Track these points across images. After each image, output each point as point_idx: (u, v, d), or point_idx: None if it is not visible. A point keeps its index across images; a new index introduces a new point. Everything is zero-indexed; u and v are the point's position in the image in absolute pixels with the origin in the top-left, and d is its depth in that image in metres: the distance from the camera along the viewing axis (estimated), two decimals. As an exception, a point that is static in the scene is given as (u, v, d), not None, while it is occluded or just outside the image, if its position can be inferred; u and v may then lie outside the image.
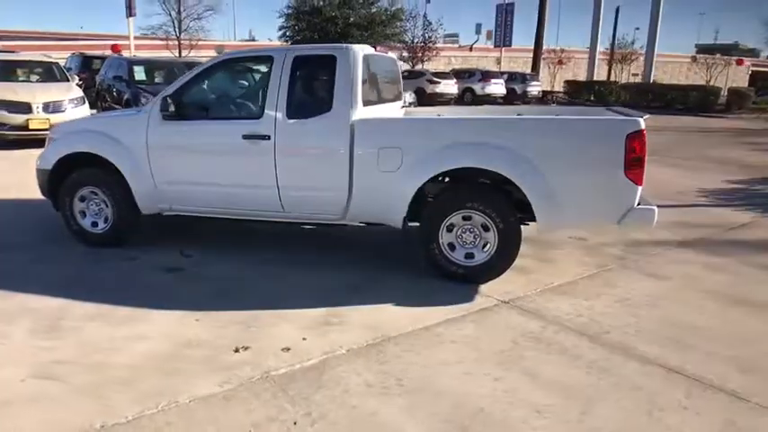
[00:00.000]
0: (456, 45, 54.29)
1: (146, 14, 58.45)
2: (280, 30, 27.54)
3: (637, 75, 37.80)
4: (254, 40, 57.76)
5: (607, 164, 4.01)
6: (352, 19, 25.95)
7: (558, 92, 32.39)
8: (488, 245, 4.26)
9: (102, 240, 5.07)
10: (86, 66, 15.26)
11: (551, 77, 37.91)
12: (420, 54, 31.86)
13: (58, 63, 11.72)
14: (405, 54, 31.84)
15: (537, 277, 4.58)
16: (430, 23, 32.05)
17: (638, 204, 4.12)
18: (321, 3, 26.63)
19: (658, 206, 4.27)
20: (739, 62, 41.07)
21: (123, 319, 3.63)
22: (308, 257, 4.95)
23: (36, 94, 9.96)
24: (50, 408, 2.66)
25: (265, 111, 4.49)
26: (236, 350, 3.25)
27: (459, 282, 4.30)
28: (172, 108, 4.59)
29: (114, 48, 19.48)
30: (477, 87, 26.27)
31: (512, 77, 28.79)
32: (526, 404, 2.77)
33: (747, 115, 24.02)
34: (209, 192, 4.75)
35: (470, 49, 49.33)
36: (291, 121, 4.46)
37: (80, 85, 13.74)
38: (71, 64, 16.52)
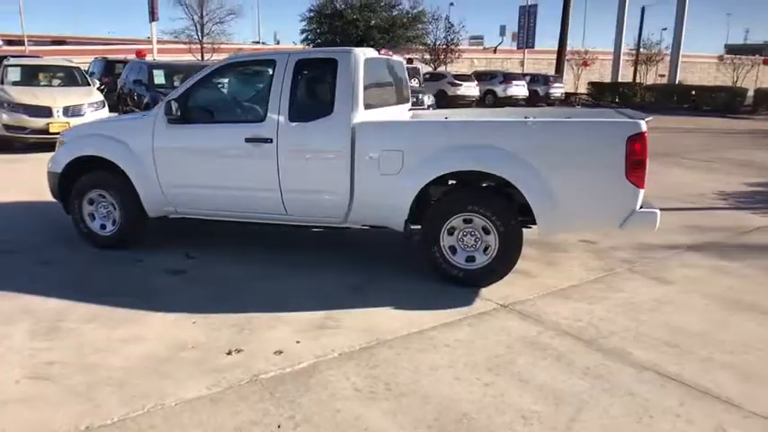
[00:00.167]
0: (480, 47, 54.09)
1: (169, 18, 59.53)
2: (302, 33, 27.81)
3: (663, 76, 37.12)
4: (278, 43, 58.30)
5: (608, 167, 3.94)
6: (373, 22, 26.03)
7: (582, 93, 31.97)
8: (489, 248, 4.22)
9: (111, 242, 5.15)
10: (109, 70, 15.60)
11: (575, 79, 37.46)
12: (442, 56, 31.78)
13: (78, 67, 12.00)
14: (427, 56, 31.83)
15: (540, 281, 4.52)
16: (452, 26, 31.99)
17: (641, 207, 4.03)
18: (343, 6, 26.78)
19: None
20: (766, 62, 39.97)
21: (121, 321, 3.69)
22: (310, 259, 4.97)
23: (56, 98, 10.20)
24: (40, 408, 2.71)
25: (268, 114, 4.52)
26: (229, 353, 3.27)
27: (460, 285, 4.27)
28: (176, 112, 4.66)
29: (139, 53, 19.83)
30: (499, 89, 26.12)
31: (534, 79, 28.54)
32: (513, 410, 2.74)
33: (775, 116, 23.41)
34: (214, 195, 4.80)
35: (494, 51, 49.10)
36: (293, 124, 4.48)
37: (102, 89, 14.05)
38: (94, 68, 16.89)
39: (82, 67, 12.74)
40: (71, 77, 11.54)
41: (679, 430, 2.60)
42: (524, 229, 4.30)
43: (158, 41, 23.55)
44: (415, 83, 21.24)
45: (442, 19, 31.83)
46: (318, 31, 26.82)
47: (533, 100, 26.49)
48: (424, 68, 29.05)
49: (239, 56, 5.32)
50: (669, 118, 22.07)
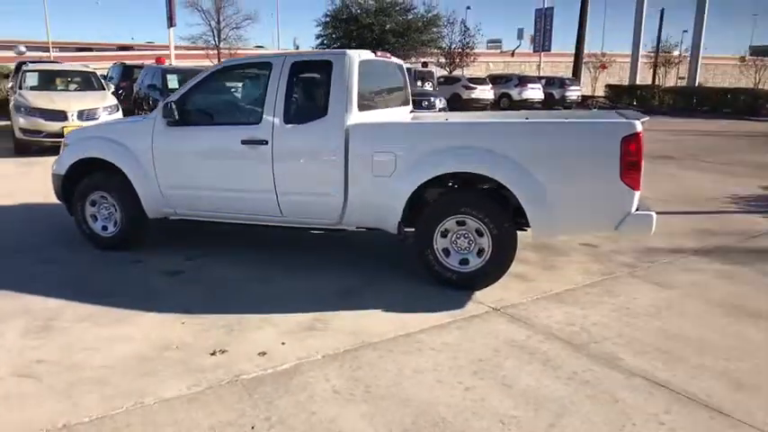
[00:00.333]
0: (498, 51, 53.92)
1: (186, 24, 60.20)
2: (317, 38, 27.96)
3: (684, 78, 36.55)
4: (297, 48, 58.85)
5: (602, 168, 3.87)
6: (388, 26, 26.07)
7: (600, 96, 31.61)
8: (483, 251, 4.18)
9: (112, 243, 5.21)
10: (127, 75, 15.83)
11: (593, 82, 37.06)
12: (457, 60, 31.70)
13: (95, 72, 12.21)
14: (442, 60, 31.78)
15: (536, 284, 4.46)
16: (467, 29, 31.90)
17: (637, 210, 3.96)
18: (358, 10, 26.88)
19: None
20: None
21: (112, 321, 3.72)
22: (308, 261, 4.97)
23: (71, 102, 10.39)
24: (20, 406, 2.74)
25: (264, 116, 4.54)
26: (213, 353, 3.28)
27: (453, 288, 4.23)
28: (175, 114, 4.70)
29: (158, 60, 20.11)
30: (514, 93, 25.97)
31: (550, 82, 28.31)
32: (492, 415, 2.69)
33: (798, 119, 22.87)
34: (211, 197, 4.83)
35: (512, 54, 48.86)
36: (289, 126, 4.49)
37: (120, 94, 14.29)
38: (113, 73, 17.18)
39: (102, 72, 12.98)
40: (88, 82, 11.76)
41: (661, 438, 2.53)
42: (522, 233, 4.25)
43: (176, 47, 23.90)
44: (428, 86, 21.25)
45: (457, 23, 31.82)
46: (334, 35, 26.95)
47: (549, 103, 26.27)
48: (440, 72, 29.01)
49: (237, 59, 5.35)
50: (687, 120, 21.76)
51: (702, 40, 30.02)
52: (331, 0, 27.57)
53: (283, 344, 3.41)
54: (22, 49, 27.86)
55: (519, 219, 4.16)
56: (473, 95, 24.07)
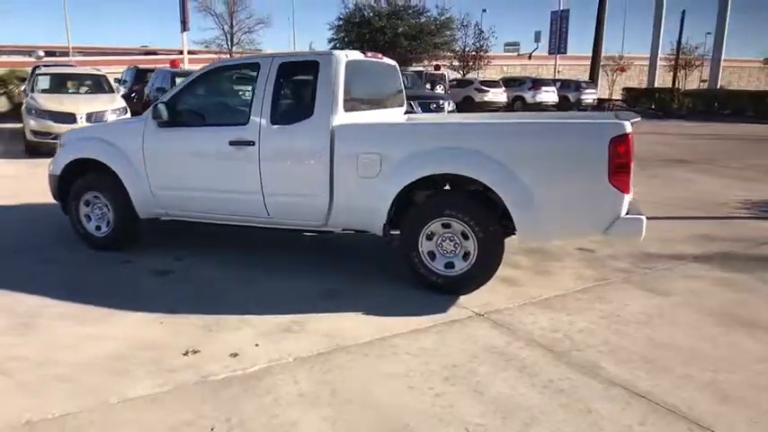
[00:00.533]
0: (515, 54, 53.58)
1: (199, 28, 60.79)
2: (329, 42, 28.01)
3: (706, 81, 35.92)
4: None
5: (590, 170, 3.77)
6: (400, 29, 26.04)
7: (616, 100, 31.19)
8: (469, 254, 4.10)
9: (106, 243, 5.24)
10: (139, 78, 16.03)
11: (610, 85, 36.60)
12: (471, 63, 31.55)
13: (105, 76, 12.37)
14: (455, 63, 31.66)
15: (525, 289, 4.36)
16: (482, 32, 31.74)
17: (627, 213, 3.85)
18: (371, 14, 26.90)
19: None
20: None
21: (93, 320, 3.72)
22: (294, 262, 4.94)
23: (80, 104, 10.53)
24: (-15, 402, 2.74)
25: (251, 117, 4.52)
26: (186, 353, 3.26)
27: (439, 292, 4.16)
28: (164, 115, 4.71)
29: (173, 63, 20.37)
30: (528, 96, 25.73)
31: (565, 85, 28.02)
32: (459, 422, 2.62)
33: (823, 123, 22.29)
34: (201, 197, 4.82)
35: (529, 57, 48.47)
36: (275, 126, 4.47)
37: (133, 97, 14.46)
38: (126, 76, 17.43)
39: (117, 76, 13.15)
40: (98, 85, 11.92)
41: (631, 450, 2.44)
42: (513, 236, 4.17)
43: (190, 51, 24.19)
44: (440, 89, 21.17)
45: (471, 25, 31.68)
46: (346, 39, 26.99)
47: (564, 106, 25.98)
48: (453, 75, 28.89)
49: (227, 59, 5.35)
50: (706, 124, 21.34)
51: (724, 42, 29.49)
52: (344, 4, 27.69)
53: (257, 345, 3.37)
54: (41, 53, 28.43)
55: (508, 223, 4.08)
56: (486, 98, 23.89)
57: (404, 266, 4.31)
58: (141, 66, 17.58)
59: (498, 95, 24.42)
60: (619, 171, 3.72)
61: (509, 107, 24.96)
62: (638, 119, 4.00)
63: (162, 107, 4.70)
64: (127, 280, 4.57)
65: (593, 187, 3.78)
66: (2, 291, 4.21)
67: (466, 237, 4.08)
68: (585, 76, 31.85)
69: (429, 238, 4.19)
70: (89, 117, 10.33)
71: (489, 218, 4.03)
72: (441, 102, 15.00)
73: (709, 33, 38.27)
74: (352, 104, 4.49)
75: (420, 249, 4.19)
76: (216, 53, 30.04)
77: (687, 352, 3.36)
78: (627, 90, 30.93)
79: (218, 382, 2.96)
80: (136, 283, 4.50)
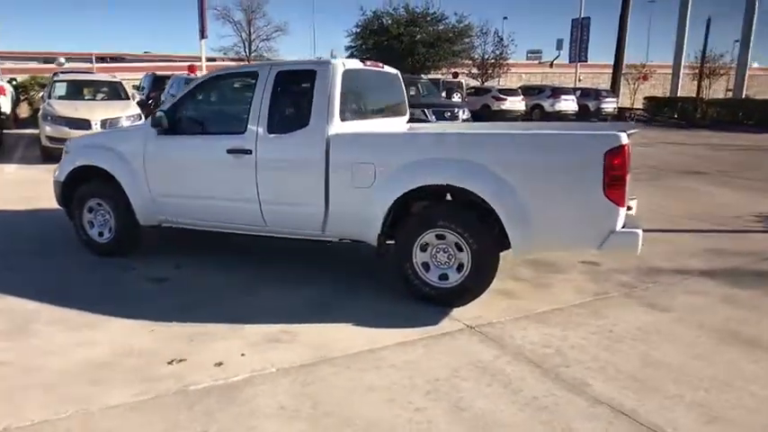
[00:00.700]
0: (537, 61, 53.28)
1: (218, 35, 61.47)
2: (347, 49, 28.16)
3: (732, 90, 35.20)
4: (334, 59, 59.46)
5: (584, 183, 3.70)
6: (418, 36, 26.06)
7: (637, 109, 30.75)
8: (463, 266, 4.05)
9: (108, 249, 5.29)
10: (157, 85, 16.31)
11: (632, 93, 36.10)
12: (490, 70, 31.43)
13: (120, 83, 12.60)
14: (474, 71, 31.57)
15: (521, 303, 4.29)
16: (501, 39, 31.62)
17: (623, 227, 3.76)
18: (389, 21, 26.98)
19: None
20: None
21: (83, 326, 3.75)
22: (293, 270, 4.95)
23: (95, 111, 10.72)
24: (-35, 407, 2.77)
25: (248, 125, 4.54)
26: (171, 362, 3.26)
27: (433, 304, 4.11)
28: (163, 123, 4.76)
29: (191, 69, 20.67)
30: (547, 104, 25.52)
31: (585, 94, 27.71)
32: (434, 439, 2.57)
33: None
34: (200, 205, 4.85)
35: (551, 65, 48.13)
36: (272, 135, 4.48)
37: (150, 103, 14.68)
38: (144, 83, 17.75)
39: (135, 83, 13.39)
40: (114, 92, 12.14)
41: (608, 472, 2.36)
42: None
43: (208, 58, 24.55)
44: (456, 97, 21.11)
45: (490, 33, 31.56)
46: (364, 46, 27.10)
47: (584, 115, 25.71)
48: (471, 83, 28.81)
49: (227, 68, 5.40)
50: (730, 135, 20.91)
51: (750, 50, 28.93)
52: (362, 11, 27.82)
53: (243, 355, 3.36)
54: (62, 60, 29.09)
55: (505, 235, 4.01)
56: (503, 107, 23.75)
57: (400, 277, 4.27)
58: (159, 73, 17.91)
59: (516, 104, 24.26)
60: (614, 184, 3.65)
61: (527, 116, 24.79)
62: (636, 131, 3.93)
63: (161, 115, 4.75)
64: (125, 286, 4.61)
65: (588, 200, 3.71)
66: (3, 295, 4.27)
67: (460, 248, 4.03)
68: (608, 85, 31.51)
69: (423, 249, 4.15)
70: (103, 123, 10.50)
71: (484, 229, 3.98)
72: (455, 110, 14.96)
73: (737, 41, 37.53)
74: (349, 113, 4.49)
75: (414, 260, 4.15)
76: (237, 60, 30.43)
77: (679, 370, 3.26)
78: (648, 99, 30.47)
79: (198, 391, 2.95)
80: (134, 289, 4.54)
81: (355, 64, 4.67)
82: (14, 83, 18.86)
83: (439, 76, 26.36)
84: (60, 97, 11.54)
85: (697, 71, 32.68)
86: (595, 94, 27.74)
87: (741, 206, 8.15)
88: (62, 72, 14.86)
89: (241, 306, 4.16)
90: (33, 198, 7.76)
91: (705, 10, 38.05)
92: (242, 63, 29.48)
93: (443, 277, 4.12)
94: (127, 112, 10.95)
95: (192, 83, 4.96)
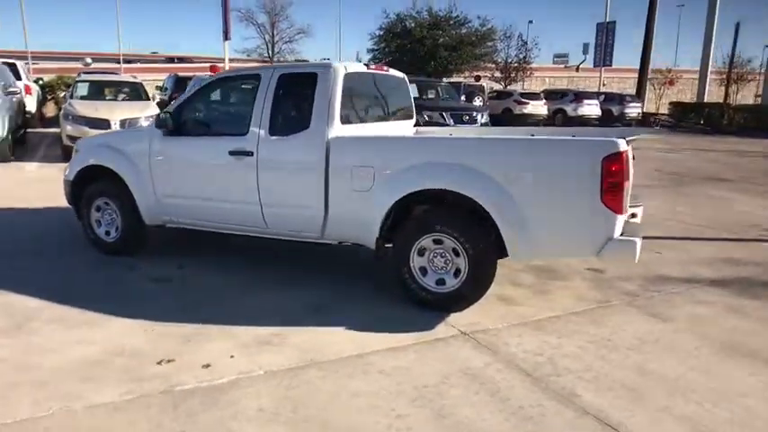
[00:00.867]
0: (563, 65, 52.80)
1: (241, 37, 62.20)
2: (369, 52, 28.27)
3: (761, 96, 34.31)
4: (359, 62, 59.77)
5: (582, 189, 3.64)
6: (440, 40, 26.01)
7: (663, 114, 30.18)
8: (460, 271, 4.01)
9: (115, 248, 5.37)
10: (179, 85, 16.57)
11: (657, 98, 35.46)
12: (513, 74, 31.20)
13: (141, 83, 12.82)
14: (497, 74, 31.38)
15: (520, 309, 4.23)
16: (525, 43, 31.37)
17: (622, 235, 3.69)
18: (412, 24, 26.98)
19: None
20: None
21: (80, 324, 3.81)
22: (293, 272, 4.96)
23: (115, 111, 10.91)
24: (-46, 403, 2.83)
25: (250, 128, 4.57)
26: (160, 362, 3.29)
27: (429, 309, 4.08)
28: (168, 125, 4.82)
29: (213, 69, 20.98)
30: (569, 108, 25.22)
31: (609, 98, 27.33)
32: (412, 447, 2.54)
33: None
34: (202, 206, 4.90)
35: (577, 69, 47.64)
36: (273, 137, 4.50)
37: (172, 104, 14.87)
38: (167, 84, 18.05)
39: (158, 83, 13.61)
40: (135, 92, 12.35)
41: (586, 487, 2.31)
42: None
43: (231, 59, 24.87)
44: (477, 101, 20.99)
45: (514, 36, 31.34)
46: (387, 50, 27.14)
47: (607, 120, 25.34)
48: (494, 86, 28.64)
49: (231, 70, 5.44)
50: (757, 141, 20.40)
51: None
52: (386, 14, 27.86)
53: (232, 357, 3.37)
54: (89, 60, 29.70)
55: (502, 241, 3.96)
56: (525, 111, 23.53)
57: (397, 281, 4.25)
58: (181, 74, 18.20)
59: (538, 108, 24.02)
60: (612, 190, 3.57)
61: (550, 120, 24.53)
62: (637, 136, 3.83)
63: (166, 116, 4.81)
64: (127, 285, 4.67)
65: (585, 206, 3.65)
66: (6, 292, 4.36)
67: (457, 253, 3.99)
68: (634, 90, 31.00)
69: (420, 253, 4.12)
70: (123, 123, 10.68)
71: (481, 235, 3.93)
72: (474, 113, 14.86)
73: (767, 46, 36.57)
74: (350, 117, 4.49)
75: (411, 265, 4.13)
76: (261, 61, 30.76)
77: (674, 382, 3.18)
78: (674, 104, 29.87)
79: (183, 392, 2.97)
80: (135, 289, 4.59)
81: (358, 67, 4.67)
82: (41, 82, 19.33)
83: (461, 80, 26.27)
84: (82, 97, 11.79)
85: (724, 76, 31.93)
86: (620, 98, 27.34)
87: (757, 214, 7.96)
88: (85, 72, 15.18)
89: (239, 307, 4.18)
90: (48, 197, 7.92)
91: (735, 14, 37.23)
92: (266, 64, 29.74)
93: (440, 282, 4.09)
94: (146, 112, 11.13)
95: (196, 84, 5.00)
